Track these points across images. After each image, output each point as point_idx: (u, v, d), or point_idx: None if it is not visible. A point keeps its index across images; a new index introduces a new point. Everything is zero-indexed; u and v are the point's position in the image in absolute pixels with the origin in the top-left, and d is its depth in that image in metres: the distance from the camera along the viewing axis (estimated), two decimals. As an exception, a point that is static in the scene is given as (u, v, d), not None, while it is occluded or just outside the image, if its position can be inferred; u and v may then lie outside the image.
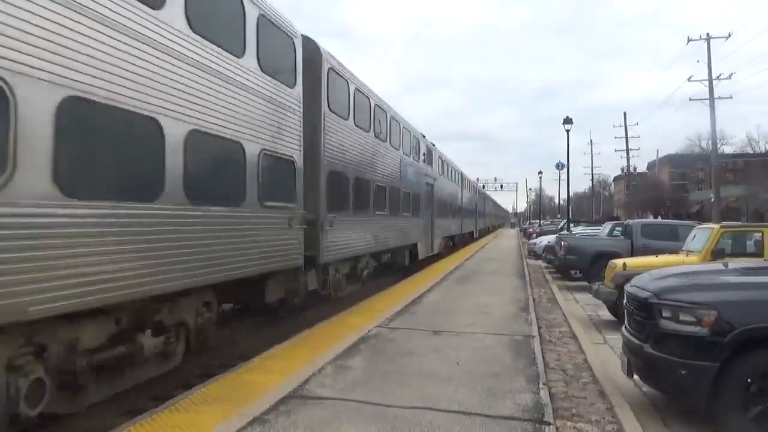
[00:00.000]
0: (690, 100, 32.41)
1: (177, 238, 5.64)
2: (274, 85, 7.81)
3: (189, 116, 5.83)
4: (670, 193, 64.87)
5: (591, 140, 62.29)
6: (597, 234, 18.03)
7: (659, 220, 32.51)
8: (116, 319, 5.30)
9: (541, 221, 52.77)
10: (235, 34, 6.93)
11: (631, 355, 5.05)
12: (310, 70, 9.21)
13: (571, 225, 26.64)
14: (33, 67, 3.99)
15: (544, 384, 5.41)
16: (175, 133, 5.60)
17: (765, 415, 4.16)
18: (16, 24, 3.86)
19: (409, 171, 16.99)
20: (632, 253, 13.14)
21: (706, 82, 30.47)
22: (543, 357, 6.55)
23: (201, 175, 6.13)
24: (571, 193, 43.65)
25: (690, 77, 31.63)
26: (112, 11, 4.78)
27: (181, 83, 5.76)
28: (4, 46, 3.79)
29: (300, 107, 8.67)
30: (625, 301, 5.55)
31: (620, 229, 16.06)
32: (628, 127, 48.81)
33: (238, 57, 6.87)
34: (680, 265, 8.10)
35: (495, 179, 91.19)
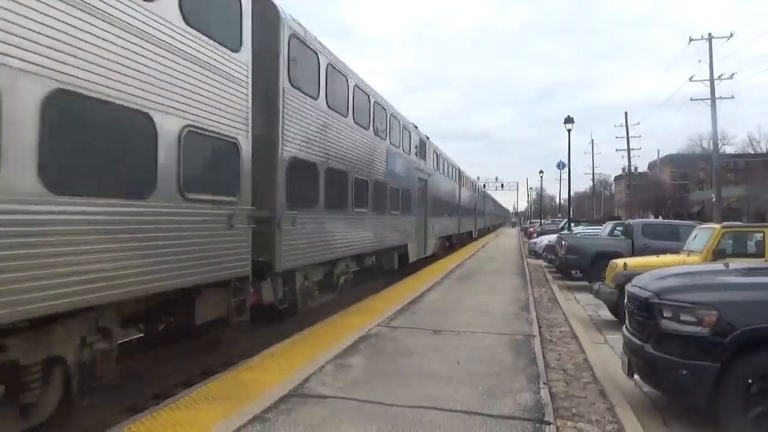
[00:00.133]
0: (691, 100, 32.40)
1: (28, 245, 3.92)
2: (207, 46, 6.08)
3: (53, 69, 4.11)
4: (671, 193, 64.86)
5: (592, 140, 62.43)
6: (598, 234, 18.02)
7: (660, 220, 32.48)
8: None
9: (542, 221, 52.76)
10: None
11: (632, 355, 5.05)
12: (264, 33, 7.62)
13: (572, 224, 26.63)
14: None
15: (544, 383, 5.41)
16: (22, 90, 3.87)
17: (765, 416, 4.16)
18: None
19: (398, 164, 15.30)
20: (633, 253, 13.13)
21: (708, 82, 30.46)
22: (543, 356, 6.55)
23: (75, 154, 4.43)
24: (572, 193, 43.59)
25: (691, 77, 31.62)
26: None
27: (27, 15, 3.93)
28: None
29: (248, 78, 6.92)
30: (625, 301, 5.55)
31: (621, 228, 16.06)
32: (629, 126, 48.79)
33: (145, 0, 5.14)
34: (681, 265, 8.10)
35: (496, 179, 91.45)
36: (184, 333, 7.34)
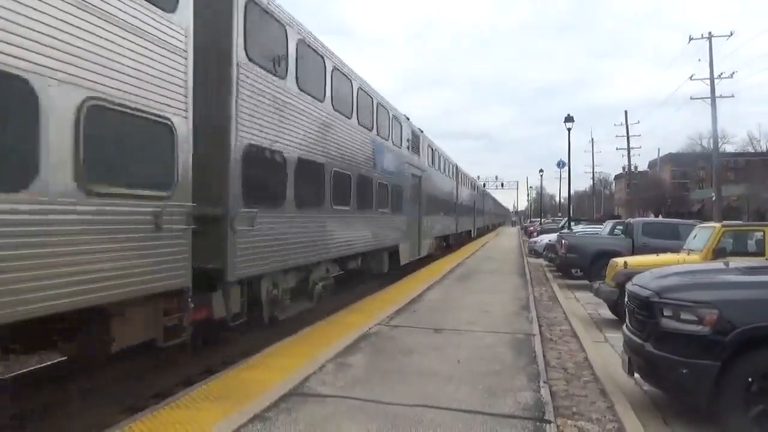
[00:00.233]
0: (691, 99, 32.37)
1: None
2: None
3: None
4: (671, 192, 64.91)
5: (592, 138, 62.39)
6: (598, 233, 18.01)
7: (660, 218, 32.49)
8: None
9: (542, 220, 52.75)
10: None
11: (632, 353, 5.05)
12: None
13: (572, 223, 26.62)
14: None
15: (544, 382, 5.41)
16: None
17: (766, 415, 4.16)
18: None
19: (387, 158, 13.97)
20: (633, 251, 13.13)
21: (708, 81, 30.44)
22: (544, 355, 6.55)
23: None
24: (572, 192, 43.66)
25: (691, 76, 31.59)
26: None
27: None
28: None
29: (186, 46, 5.69)
30: (626, 299, 5.54)
31: (621, 227, 16.05)
32: (629, 125, 48.77)
33: None
34: (681, 264, 8.09)
35: (496, 177, 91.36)
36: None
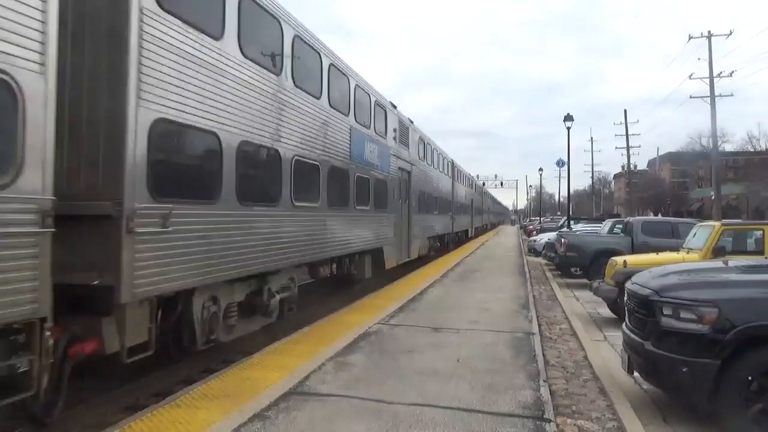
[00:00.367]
0: (691, 97, 32.36)
1: None
2: None
3: None
4: (670, 191, 65.00)
5: (591, 137, 62.21)
6: (597, 231, 18.01)
7: (660, 217, 32.50)
8: None
9: (542, 218, 52.78)
10: None
11: (632, 352, 5.05)
12: None
13: (572, 222, 26.62)
14: None
15: (544, 381, 5.42)
16: None
17: (765, 413, 4.16)
18: None
19: (368, 149, 12.31)
20: (633, 250, 13.14)
21: (707, 80, 30.43)
22: (543, 354, 6.56)
23: None
24: (571, 191, 43.65)
25: (691, 75, 31.54)
26: None
27: None
28: None
29: None
30: (625, 298, 5.55)
31: (621, 226, 16.05)
32: (628, 124, 48.75)
33: None
34: (681, 262, 8.10)
35: (495, 176, 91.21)
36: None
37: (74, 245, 4.55)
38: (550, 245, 18.29)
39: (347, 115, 10.93)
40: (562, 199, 55.17)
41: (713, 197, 32.21)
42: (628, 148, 49.19)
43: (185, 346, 6.40)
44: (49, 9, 4.11)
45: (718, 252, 8.90)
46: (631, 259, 9.92)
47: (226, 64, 6.47)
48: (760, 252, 9.06)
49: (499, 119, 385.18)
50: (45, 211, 4.01)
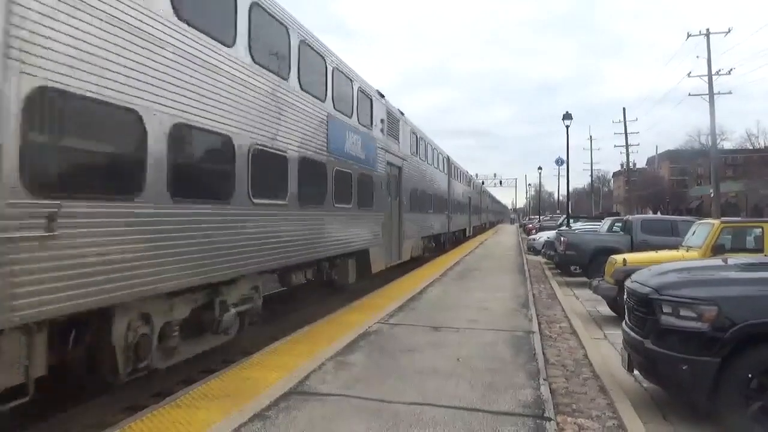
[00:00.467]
0: (689, 95, 32.42)
1: None
2: None
3: None
4: (669, 189, 65.00)
5: (591, 136, 62.39)
6: (597, 230, 18.03)
7: (659, 215, 32.52)
8: None
9: (541, 217, 52.79)
10: None
11: (632, 350, 5.05)
12: None
13: (571, 221, 26.64)
14: None
15: (544, 380, 5.42)
16: None
17: (765, 411, 4.17)
18: None
19: (350, 140, 11.06)
20: (632, 248, 13.15)
21: (706, 78, 30.44)
22: (543, 353, 6.56)
23: None
24: (570, 189, 43.68)
25: (689, 73, 31.73)
26: None
27: None
28: None
29: None
30: (625, 296, 5.55)
31: (620, 224, 16.06)
32: (627, 122, 48.77)
33: None
34: (680, 260, 8.10)
35: (494, 175, 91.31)
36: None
37: None
38: (549, 244, 18.30)
39: (323, 100, 9.68)
40: (561, 198, 55.28)
41: (712, 195, 32.25)
42: (627, 146, 49.26)
43: (106, 377, 5.19)
44: None
45: (717, 250, 8.91)
46: (631, 257, 9.93)
47: (154, 28, 5.25)
48: (759, 249, 9.07)
49: (498, 119, 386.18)
50: None
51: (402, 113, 16.34)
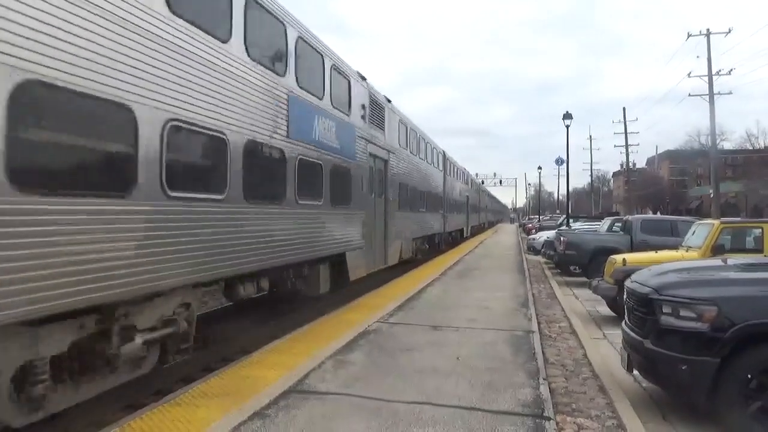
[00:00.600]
0: (689, 95, 32.43)
1: None
2: None
3: None
4: (669, 189, 65.00)
5: (590, 136, 62.50)
6: (596, 230, 18.04)
7: (659, 215, 32.55)
8: None
9: (541, 217, 52.80)
10: None
11: (632, 350, 5.06)
12: None
13: (571, 220, 26.66)
14: None
15: (544, 379, 5.42)
16: None
17: (764, 411, 4.17)
18: None
19: (321, 125, 9.38)
20: (632, 248, 13.16)
21: (706, 78, 30.47)
22: (543, 352, 6.56)
23: None
24: (570, 189, 43.70)
25: (690, 73, 31.73)
26: None
27: None
28: None
29: None
30: (625, 296, 5.55)
31: (620, 224, 16.08)
32: (627, 122, 48.79)
33: None
34: (680, 260, 8.10)
35: (494, 174, 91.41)
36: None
37: None
38: (549, 243, 18.30)
39: (282, 75, 8.00)
40: (561, 197, 55.26)
41: (712, 195, 32.28)
42: (627, 146, 49.30)
43: None
44: None
45: (717, 250, 8.93)
46: (631, 257, 9.94)
47: None
48: (758, 250, 9.08)
49: (498, 118, 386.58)
50: None
51: (389, 100, 14.71)
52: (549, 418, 4.39)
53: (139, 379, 5.98)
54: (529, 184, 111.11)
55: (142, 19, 5.10)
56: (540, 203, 77.49)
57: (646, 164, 79.66)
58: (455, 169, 29.86)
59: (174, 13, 5.56)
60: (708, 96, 30.40)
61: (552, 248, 17.02)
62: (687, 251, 9.61)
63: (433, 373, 5.58)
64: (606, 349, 7.24)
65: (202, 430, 4.10)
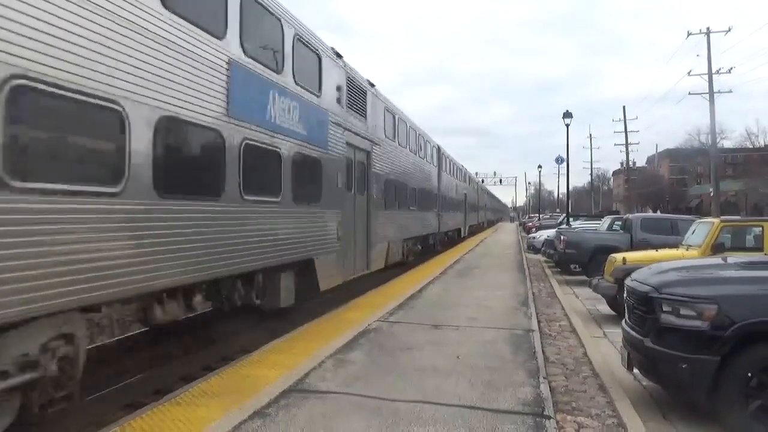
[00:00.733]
0: (690, 94, 32.42)
1: None
2: None
3: None
4: (669, 188, 65.03)
5: (590, 134, 62.50)
6: (596, 228, 18.04)
7: (659, 214, 32.55)
8: None
9: (540, 215, 52.79)
10: None
11: (632, 349, 5.06)
12: None
13: (571, 219, 26.66)
14: None
15: (544, 378, 5.42)
16: None
17: (765, 409, 4.17)
18: None
19: (279, 105, 7.81)
20: (632, 247, 13.16)
21: (706, 77, 30.45)
22: (543, 351, 6.56)
23: None
24: (570, 188, 43.70)
25: (690, 71, 31.62)
26: None
27: None
28: None
29: None
30: (625, 295, 5.55)
31: (620, 223, 16.08)
32: (627, 121, 48.76)
33: None
34: (680, 259, 8.10)
35: (494, 173, 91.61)
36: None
37: None
38: (549, 242, 18.31)
39: (220, 37, 6.50)
40: (561, 196, 55.26)
41: (712, 194, 32.28)
42: (626, 144, 49.26)
43: None
44: None
45: (717, 249, 8.92)
46: (631, 255, 9.93)
47: None
48: (759, 248, 9.07)
49: (498, 118, 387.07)
50: None
51: (372, 84, 12.89)
52: (549, 417, 4.39)
53: (138, 379, 6.00)
54: (529, 183, 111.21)
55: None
56: (540, 202, 77.50)
57: (646, 163, 79.69)
58: (451, 166, 28.27)
59: None
60: (708, 94, 30.39)
61: (552, 247, 17.02)
62: (687, 250, 9.61)
63: (434, 372, 5.58)
64: (606, 348, 7.24)
65: (203, 429, 4.10)
